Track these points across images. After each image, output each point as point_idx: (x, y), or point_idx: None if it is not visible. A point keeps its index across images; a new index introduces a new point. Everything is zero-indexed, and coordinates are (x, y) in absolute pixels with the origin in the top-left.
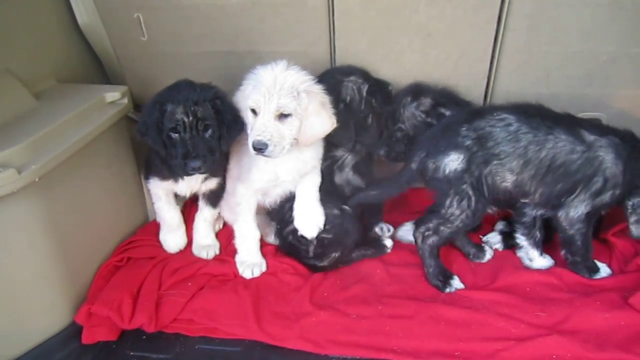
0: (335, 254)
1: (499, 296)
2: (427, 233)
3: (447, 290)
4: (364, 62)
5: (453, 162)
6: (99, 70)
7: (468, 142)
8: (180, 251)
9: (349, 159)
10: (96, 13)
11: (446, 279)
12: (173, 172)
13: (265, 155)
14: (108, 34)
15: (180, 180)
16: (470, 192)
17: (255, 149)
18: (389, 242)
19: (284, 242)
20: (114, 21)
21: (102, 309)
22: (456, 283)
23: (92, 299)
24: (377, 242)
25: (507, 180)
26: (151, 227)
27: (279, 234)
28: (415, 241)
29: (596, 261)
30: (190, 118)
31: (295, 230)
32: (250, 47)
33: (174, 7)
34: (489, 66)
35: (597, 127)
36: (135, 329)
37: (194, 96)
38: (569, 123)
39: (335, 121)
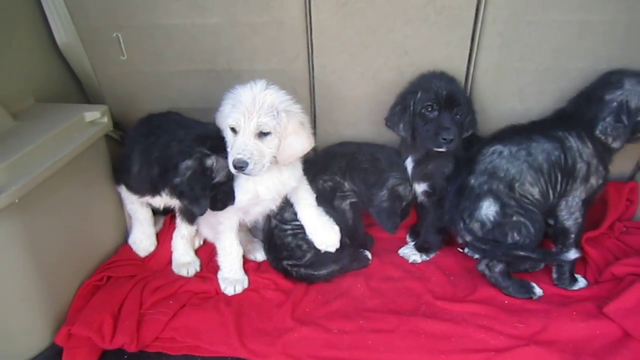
0: (334, 267)
1: (478, 308)
2: (491, 263)
3: (535, 298)
4: (342, 79)
5: (488, 209)
6: (78, 89)
7: (485, 186)
8: (161, 269)
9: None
10: (75, 32)
11: (528, 290)
12: (153, 189)
13: (245, 174)
14: (87, 54)
15: (157, 197)
16: (522, 219)
17: (235, 167)
18: (369, 254)
19: (279, 244)
20: (93, 41)
21: (82, 329)
22: (537, 290)
23: (72, 320)
24: (359, 255)
25: (535, 194)
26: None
27: (269, 236)
28: (483, 273)
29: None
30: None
31: (297, 234)
32: (230, 66)
33: (154, 27)
34: (464, 83)
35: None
36: (117, 349)
37: (207, 142)
38: (538, 128)
39: (313, 141)
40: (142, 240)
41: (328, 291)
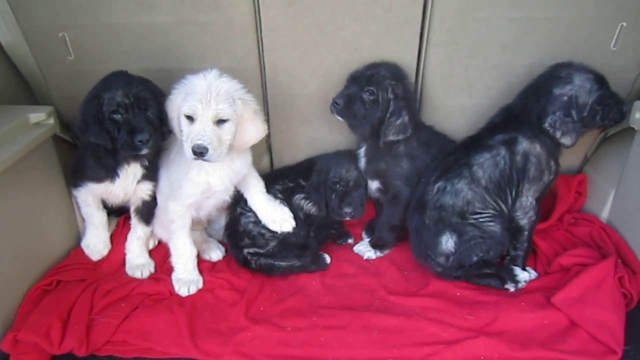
0: (295, 262)
1: (430, 302)
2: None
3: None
4: (293, 77)
5: (447, 243)
6: (25, 90)
7: (439, 223)
8: (114, 272)
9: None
10: (19, 32)
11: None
12: (108, 171)
13: (205, 160)
14: (33, 54)
15: (116, 180)
16: (480, 239)
17: (195, 153)
18: (328, 258)
19: (241, 232)
20: (39, 40)
21: (29, 335)
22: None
23: (19, 325)
24: (318, 257)
25: (488, 212)
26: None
27: (232, 222)
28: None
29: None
30: (131, 99)
31: (257, 222)
32: (180, 64)
33: (100, 26)
34: (414, 79)
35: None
36: (66, 353)
37: (130, 80)
38: (478, 143)
39: (266, 128)
40: (96, 244)
41: (283, 289)
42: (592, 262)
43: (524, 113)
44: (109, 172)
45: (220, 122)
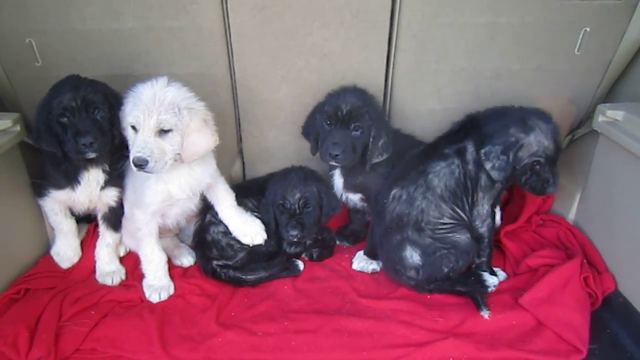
0: (263, 274)
1: (401, 304)
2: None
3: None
4: (263, 83)
5: (412, 257)
6: None
7: (397, 236)
8: (84, 279)
9: None
10: None
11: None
12: (68, 178)
13: (146, 172)
14: None
15: (77, 187)
16: (445, 250)
17: (136, 165)
18: (301, 265)
19: (209, 241)
20: (5, 46)
21: None
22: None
23: None
24: (291, 264)
25: (445, 220)
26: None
27: (200, 231)
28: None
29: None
30: (79, 102)
31: (227, 232)
32: (149, 70)
33: (67, 32)
34: (384, 84)
35: (448, 138)
36: None
37: (82, 84)
38: (433, 151)
39: (217, 138)
40: (66, 252)
41: (254, 294)
42: (558, 262)
43: (479, 127)
44: (69, 179)
45: (162, 132)
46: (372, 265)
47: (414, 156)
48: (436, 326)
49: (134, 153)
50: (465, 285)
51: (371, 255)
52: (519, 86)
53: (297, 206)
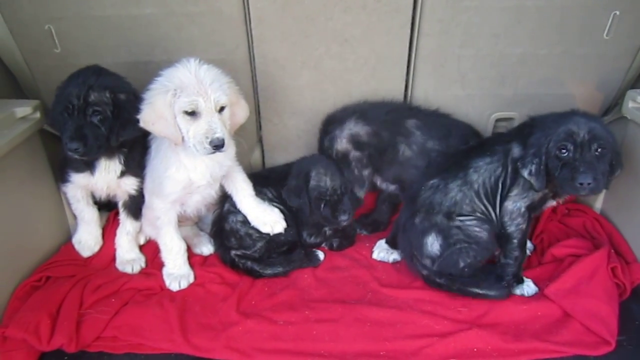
0: (280, 269)
1: (423, 294)
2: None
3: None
4: (283, 69)
5: (433, 245)
6: (12, 84)
7: (425, 222)
8: (104, 267)
9: None
10: (4, 25)
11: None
12: (86, 163)
13: (221, 151)
14: (19, 47)
15: (95, 173)
16: (466, 244)
17: (216, 147)
18: (321, 255)
19: (228, 230)
20: (25, 34)
21: (17, 331)
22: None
23: (7, 322)
24: (311, 254)
25: (476, 215)
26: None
27: (218, 219)
28: None
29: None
30: (80, 101)
31: (245, 221)
32: (168, 57)
33: (86, 18)
34: (406, 70)
35: (500, 136)
36: (55, 350)
37: (90, 81)
38: (480, 148)
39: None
40: (87, 240)
41: (275, 283)
42: (585, 252)
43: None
44: (87, 164)
45: (221, 109)
46: (393, 255)
47: (461, 150)
48: (460, 316)
49: (209, 136)
50: (481, 287)
51: (392, 244)
52: (545, 71)
53: (339, 193)
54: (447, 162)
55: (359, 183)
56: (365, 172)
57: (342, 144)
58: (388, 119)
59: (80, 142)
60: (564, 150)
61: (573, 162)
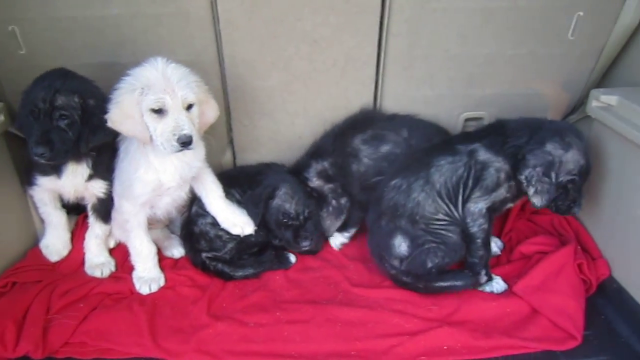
0: (250, 271)
1: (394, 293)
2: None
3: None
4: (253, 70)
5: (400, 247)
6: None
7: (390, 225)
8: (73, 272)
9: None
10: None
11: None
12: (52, 167)
13: (189, 149)
14: None
15: (63, 176)
16: (434, 244)
17: (183, 143)
18: (292, 257)
19: (197, 233)
20: None
21: None
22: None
23: None
24: (282, 256)
25: (439, 217)
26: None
27: (187, 222)
28: None
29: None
30: (47, 105)
31: (215, 223)
32: (136, 58)
33: (52, 19)
34: (375, 70)
35: (465, 136)
36: (21, 357)
37: (57, 84)
38: (442, 146)
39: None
40: (55, 244)
41: (246, 285)
42: (552, 249)
43: (507, 139)
44: (54, 167)
45: (189, 107)
46: (342, 239)
47: (423, 148)
48: (430, 314)
49: (177, 133)
50: (445, 280)
51: (341, 228)
52: (512, 71)
53: (302, 218)
54: (409, 161)
55: (339, 213)
56: (342, 201)
57: (314, 182)
58: (336, 147)
59: (46, 146)
60: (571, 183)
61: (573, 192)
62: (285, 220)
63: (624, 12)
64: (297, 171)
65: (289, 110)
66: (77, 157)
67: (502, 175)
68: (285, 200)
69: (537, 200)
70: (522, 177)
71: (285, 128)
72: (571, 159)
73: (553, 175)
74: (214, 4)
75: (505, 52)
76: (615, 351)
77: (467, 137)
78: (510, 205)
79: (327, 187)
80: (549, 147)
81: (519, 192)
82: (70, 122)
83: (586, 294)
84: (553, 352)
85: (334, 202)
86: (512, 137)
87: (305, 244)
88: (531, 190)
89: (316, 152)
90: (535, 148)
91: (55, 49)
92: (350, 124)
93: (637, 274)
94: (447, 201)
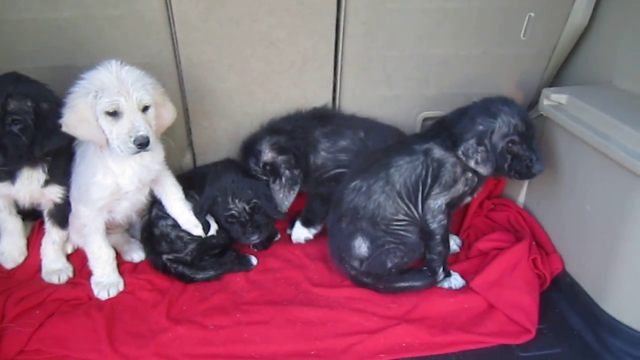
0: (212, 273)
1: (354, 292)
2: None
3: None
4: (210, 72)
5: (360, 248)
6: None
7: (350, 226)
8: (29, 279)
9: None
10: None
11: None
12: (5, 172)
13: (147, 150)
14: None
15: (17, 182)
16: (393, 245)
17: (140, 145)
18: (254, 259)
19: (158, 235)
20: None
21: None
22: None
23: None
24: (244, 259)
25: (399, 217)
26: None
27: (147, 225)
28: None
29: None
30: None
31: (176, 225)
32: (91, 61)
33: (1, 23)
34: (332, 71)
35: (418, 136)
36: None
37: (9, 89)
38: (400, 146)
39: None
40: (11, 251)
41: (206, 287)
42: (508, 245)
43: (449, 129)
44: (7, 173)
45: (144, 109)
46: (305, 234)
47: (380, 149)
48: (389, 312)
49: (133, 134)
50: (405, 280)
51: (306, 221)
52: (467, 71)
53: (247, 212)
54: (368, 162)
55: (292, 183)
56: (296, 172)
57: (267, 155)
58: (295, 128)
59: None
60: (511, 145)
61: (524, 152)
62: (232, 220)
63: (574, 13)
64: (250, 145)
65: (248, 112)
66: (32, 163)
67: (458, 170)
68: (227, 204)
69: (482, 170)
70: (460, 153)
71: (245, 129)
72: (502, 123)
73: (487, 142)
74: (168, 6)
75: (459, 52)
76: (568, 343)
77: (420, 137)
78: (468, 199)
79: (280, 159)
80: (478, 120)
81: (479, 182)
82: (23, 126)
83: (540, 288)
84: (509, 346)
85: (287, 172)
86: (453, 128)
87: (254, 237)
88: (472, 162)
89: (272, 128)
90: (465, 125)
91: (6, 53)
92: (312, 114)
93: (589, 268)
94: (407, 201)
